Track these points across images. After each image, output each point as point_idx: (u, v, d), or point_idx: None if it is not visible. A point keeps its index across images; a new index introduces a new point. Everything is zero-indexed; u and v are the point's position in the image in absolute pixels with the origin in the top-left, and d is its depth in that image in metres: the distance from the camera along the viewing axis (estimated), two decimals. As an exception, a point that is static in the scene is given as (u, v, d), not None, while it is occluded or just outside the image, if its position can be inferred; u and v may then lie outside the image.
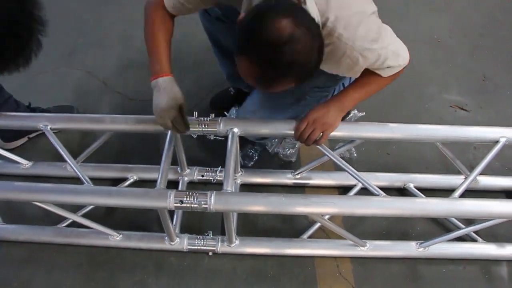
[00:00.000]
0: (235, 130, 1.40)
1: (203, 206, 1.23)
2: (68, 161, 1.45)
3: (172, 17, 1.30)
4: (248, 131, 1.43)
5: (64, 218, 1.55)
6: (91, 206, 1.57)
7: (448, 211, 1.29)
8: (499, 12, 2.48)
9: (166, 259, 1.50)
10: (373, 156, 1.79)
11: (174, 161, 1.55)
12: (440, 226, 1.58)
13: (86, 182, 1.40)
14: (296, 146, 1.72)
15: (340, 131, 1.42)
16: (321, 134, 1.33)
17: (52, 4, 2.49)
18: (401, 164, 1.77)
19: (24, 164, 1.70)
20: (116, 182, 1.67)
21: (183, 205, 1.24)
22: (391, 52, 1.20)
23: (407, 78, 2.09)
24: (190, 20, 1.61)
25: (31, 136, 1.85)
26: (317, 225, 1.52)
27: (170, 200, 1.23)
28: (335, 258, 1.49)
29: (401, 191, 1.66)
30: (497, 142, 1.43)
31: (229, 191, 1.27)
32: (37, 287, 1.45)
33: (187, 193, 1.24)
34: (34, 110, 1.81)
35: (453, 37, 2.32)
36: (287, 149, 1.71)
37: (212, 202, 1.23)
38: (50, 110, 1.87)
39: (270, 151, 1.74)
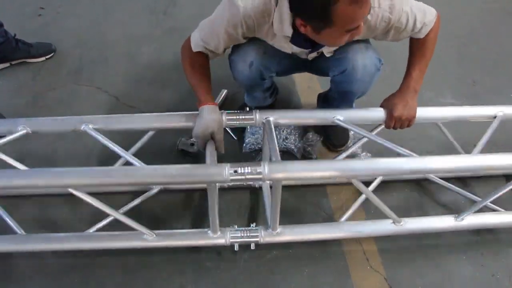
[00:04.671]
0: (271, 118, 1.48)
1: (257, 175, 1.22)
2: (123, 154, 1.46)
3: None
4: (283, 121, 1.51)
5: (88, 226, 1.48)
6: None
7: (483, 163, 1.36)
8: (478, 24, 2.73)
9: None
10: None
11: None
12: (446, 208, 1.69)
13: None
14: (314, 144, 1.81)
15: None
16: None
17: (51, 23, 2.52)
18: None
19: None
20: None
21: (237, 177, 1.21)
22: (415, 9, 1.37)
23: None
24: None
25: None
26: (352, 209, 1.54)
27: (226, 171, 1.21)
28: (360, 243, 1.54)
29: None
30: (494, 117, 1.62)
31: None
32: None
33: (241, 164, 1.24)
34: (17, 41, 2.20)
35: (440, 47, 2.51)
36: (308, 148, 1.81)
37: (266, 170, 1.22)
38: (32, 45, 2.25)
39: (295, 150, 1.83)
